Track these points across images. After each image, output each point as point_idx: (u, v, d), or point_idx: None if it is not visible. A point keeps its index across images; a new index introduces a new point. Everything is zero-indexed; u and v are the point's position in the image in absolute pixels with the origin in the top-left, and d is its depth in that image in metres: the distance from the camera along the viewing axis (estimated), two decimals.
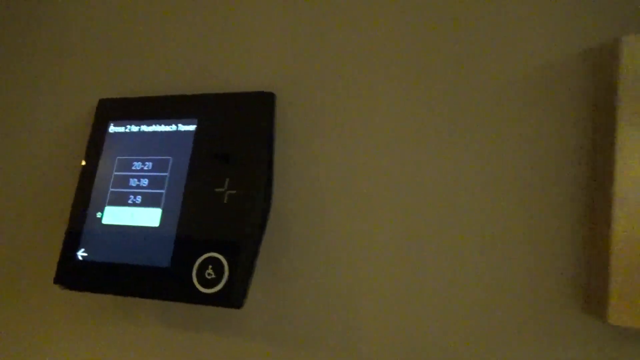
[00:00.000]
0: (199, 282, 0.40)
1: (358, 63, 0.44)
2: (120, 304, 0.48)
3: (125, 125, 0.48)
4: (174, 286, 0.41)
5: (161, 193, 0.44)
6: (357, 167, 0.43)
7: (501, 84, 0.40)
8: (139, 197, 0.45)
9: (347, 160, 0.43)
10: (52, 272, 0.51)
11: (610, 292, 0.32)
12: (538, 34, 0.39)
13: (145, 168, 0.45)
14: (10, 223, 0.54)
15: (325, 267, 0.42)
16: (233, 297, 0.39)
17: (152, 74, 0.51)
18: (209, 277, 0.40)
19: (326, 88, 0.45)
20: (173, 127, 0.46)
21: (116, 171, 0.46)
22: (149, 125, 0.47)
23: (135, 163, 0.46)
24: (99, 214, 0.45)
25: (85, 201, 0.46)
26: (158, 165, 0.45)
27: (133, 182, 0.45)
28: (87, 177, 0.47)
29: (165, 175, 0.44)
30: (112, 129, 0.48)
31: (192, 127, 0.45)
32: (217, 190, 0.42)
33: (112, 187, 0.46)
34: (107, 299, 0.49)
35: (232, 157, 0.43)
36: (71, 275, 0.44)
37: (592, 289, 0.35)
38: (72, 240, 0.45)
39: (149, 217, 0.44)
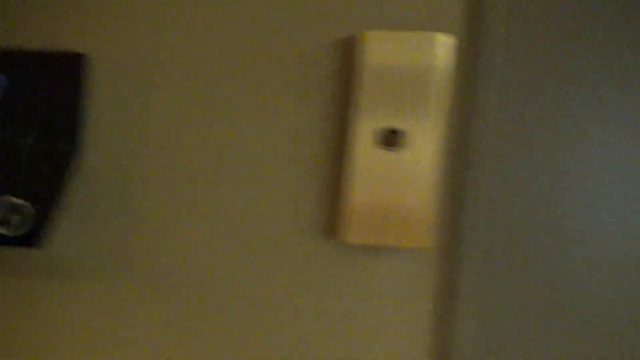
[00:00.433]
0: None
1: (175, 33, 0.46)
2: None
3: None
4: None
5: None
6: (157, 125, 0.47)
7: (262, 67, 0.45)
8: None
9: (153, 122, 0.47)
10: None
11: (344, 217, 0.43)
12: (293, 22, 0.44)
13: None
14: None
15: (133, 215, 0.47)
16: (34, 239, 0.44)
17: None
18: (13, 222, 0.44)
19: (144, 53, 0.46)
20: None
21: None
22: None
23: None
24: None
25: None
26: None
27: None
28: None
29: None
30: None
31: None
32: (21, 140, 0.45)
33: None
34: None
35: (39, 111, 0.45)
36: None
37: (332, 219, 0.45)
38: None
39: None
